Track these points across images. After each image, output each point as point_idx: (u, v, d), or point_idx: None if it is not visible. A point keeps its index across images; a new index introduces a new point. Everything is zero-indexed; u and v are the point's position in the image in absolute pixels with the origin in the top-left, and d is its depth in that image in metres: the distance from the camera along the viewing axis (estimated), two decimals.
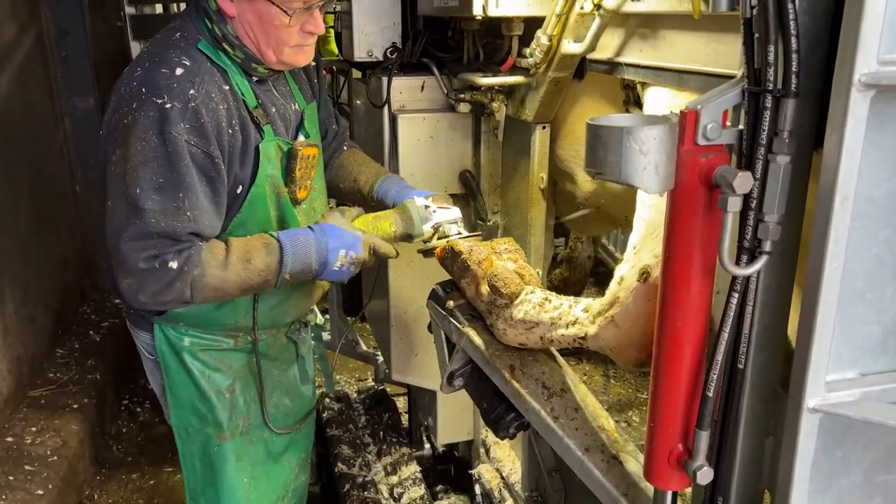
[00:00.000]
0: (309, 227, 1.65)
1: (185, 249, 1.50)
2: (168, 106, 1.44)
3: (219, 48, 1.57)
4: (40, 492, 2.67)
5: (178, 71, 1.48)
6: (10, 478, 2.69)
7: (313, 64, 1.84)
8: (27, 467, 2.77)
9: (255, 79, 1.63)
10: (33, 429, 3.00)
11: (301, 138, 1.74)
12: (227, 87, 1.56)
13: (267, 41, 1.54)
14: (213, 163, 1.50)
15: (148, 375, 1.91)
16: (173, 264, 1.48)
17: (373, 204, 1.89)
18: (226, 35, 1.55)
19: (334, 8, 2.15)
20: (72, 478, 2.93)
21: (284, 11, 1.50)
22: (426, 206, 1.75)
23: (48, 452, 2.88)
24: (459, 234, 1.76)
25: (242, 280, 1.55)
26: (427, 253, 1.75)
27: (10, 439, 2.91)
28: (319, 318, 2.12)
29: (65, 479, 2.84)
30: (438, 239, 1.75)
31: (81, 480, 3.06)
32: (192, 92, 1.47)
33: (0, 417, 2.95)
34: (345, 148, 2.02)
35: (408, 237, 1.75)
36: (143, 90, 1.46)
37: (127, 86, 1.49)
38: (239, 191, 1.60)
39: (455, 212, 1.78)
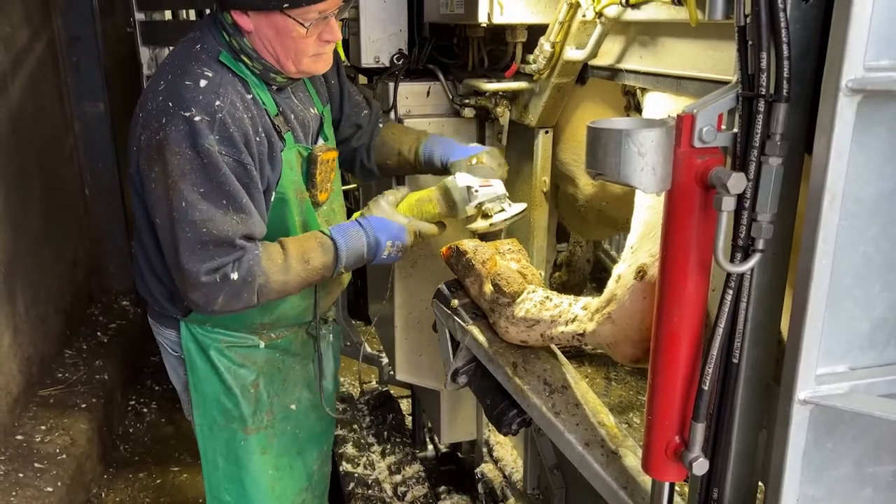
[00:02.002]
0: (357, 220, 1.72)
1: (242, 258, 1.55)
2: (197, 119, 1.47)
3: (238, 59, 1.60)
4: (49, 489, 2.72)
5: (202, 83, 1.51)
6: (20, 475, 2.73)
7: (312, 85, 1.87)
8: (36, 465, 2.81)
9: (274, 87, 1.67)
10: (43, 427, 3.05)
11: (321, 142, 1.79)
12: (250, 97, 1.59)
13: (286, 53, 1.57)
14: (246, 170, 1.54)
15: (169, 372, 1.95)
16: (234, 276, 1.53)
17: (423, 169, 1.93)
18: (243, 48, 1.58)
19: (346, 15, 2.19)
20: (80, 476, 2.97)
21: (301, 24, 1.52)
22: (468, 187, 1.73)
23: (57, 450, 2.93)
24: (503, 211, 1.74)
25: (303, 280, 1.64)
26: (484, 236, 1.79)
27: (20, 437, 2.95)
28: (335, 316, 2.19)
29: (73, 476, 2.88)
30: (483, 217, 1.75)
31: (89, 479, 3.10)
32: (217, 103, 1.50)
33: (10, 416, 2.99)
34: (380, 125, 2.03)
35: (452, 215, 1.79)
36: (170, 104, 1.49)
37: (153, 101, 1.52)
38: (272, 197, 1.66)
39: (498, 187, 1.77)
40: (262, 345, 1.85)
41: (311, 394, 2.01)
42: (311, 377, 2.01)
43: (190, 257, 1.51)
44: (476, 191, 1.73)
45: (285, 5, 1.48)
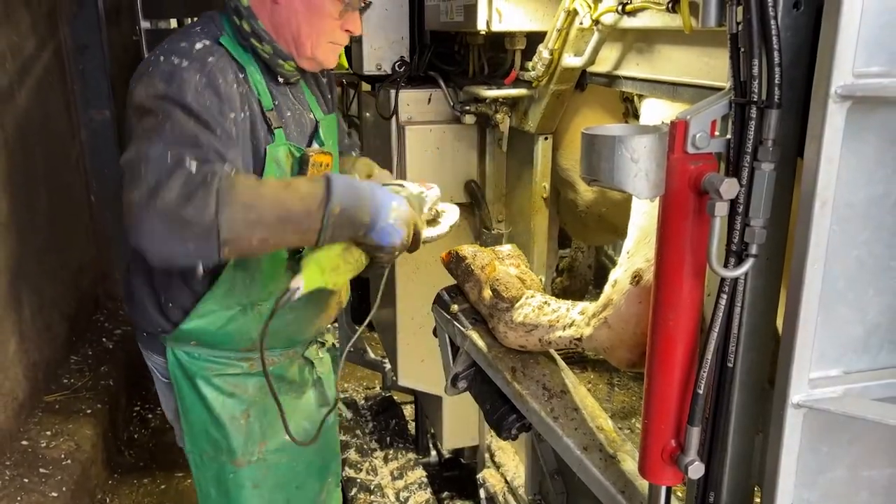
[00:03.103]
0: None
1: (208, 161, 1.33)
2: (185, 65, 1.40)
3: (244, 44, 1.55)
4: (54, 494, 2.73)
5: (198, 45, 1.47)
6: (25, 480, 2.74)
7: (325, 80, 1.86)
8: (41, 470, 2.82)
9: (278, 80, 1.63)
10: (48, 433, 3.06)
11: (315, 146, 1.73)
12: (244, 80, 1.52)
13: (309, 31, 1.53)
14: (225, 120, 1.43)
15: (161, 399, 1.89)
16: (191, 166, 1.30)
17: None
18: (255, 29, 1.53)
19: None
20: (85, 481, 2.98)
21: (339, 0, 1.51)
22: (420, 192, 1.60)
23: (62, 456, 2.94)
24: (446, 212, 1.68)
25: (280, 201, 1.34)
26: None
27: (25, 443, 2.97)
28: (335, 339, 2.09)
29: (78, 482, 2.89)
30: (429, 224, 1.65)
31: (94, 484, 3.12)
32: (210, 59, 1.44)
33: (16, 421, 3.01)
34: (353, 154, 1.99)
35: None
36: (161, 57, 1.44)
37: (144, 63, 1.48)
38: None
39: (435, 189, 1.66)
40: (251, 370, 1.75)
41: (309, 424, 1.87)
42: (312, 406, 1.89)
43: (145, 151, 1.33)
44: (424, 194, 1.59)
45: None
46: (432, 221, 1.63)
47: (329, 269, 1.44)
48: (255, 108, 1.55)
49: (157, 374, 1.83)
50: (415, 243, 1.53)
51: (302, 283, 1.41)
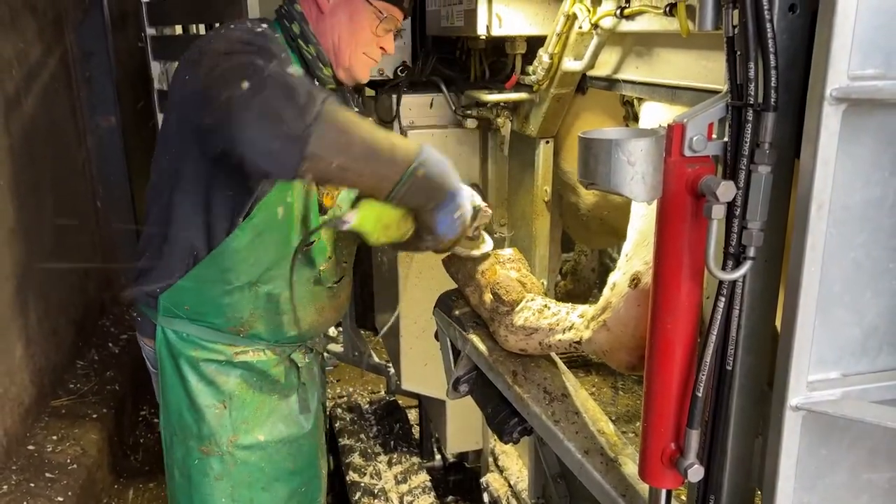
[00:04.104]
0: None
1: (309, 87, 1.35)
2: (238, 27, 1.52)
3: (291, 45, 1.66)
4: (60, 498, 2.74)
5: (257, 29, 1.57)
6: (31, 484, 2.76)
7: (351, 99, 1.93)
8: (48, 474, 2.84)
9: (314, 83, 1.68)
10: (54, 437, 3.08)
11: None
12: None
13: (349, 41, 1.66)
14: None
15: (154, 386, 1.90)
16: (299, 80, 1.33)
17: None
18: (304, 31, 1.65)
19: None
20: (90, 486, 3.00)
21: (377, 14, 1.64)
22: (477, 206, 1.54)
23: (68, 460, 2.95)
24: (486, 239, 1.63)
25: (374, 139, 1.33)
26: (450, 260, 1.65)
27: (31, 447, 2.98)
28: (332, 345, 2.08)
29: (84, 486, 2.91)
30: (468, 240, 1.60)
31: (100, 488, 3.13)
32: (271, 35, 1.56)
33: (22, 426, 3.02)
34: None
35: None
36: (222, 31, 1.55)
37: (195, 47, 1.52)
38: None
39: (489, 212, 1.61)
40: (234, 359, 1.76)
41: (286, 428, 1.87)
42: (292, 411, 1.88)
43: (244, 58, 1.37)
44: (483, 210, 1.56)
45: None
46: (472, 239, 1.60)
47: (383, 222, 1.44)
48: None
49: (150, 364, 1.86)
50: (449, 246, 1.53)
51: (354, 219, 1.42)
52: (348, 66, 1.69)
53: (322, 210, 1.73)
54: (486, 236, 1.64)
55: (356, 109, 1.91)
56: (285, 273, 1.65)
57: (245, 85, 1.29)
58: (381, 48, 1.71)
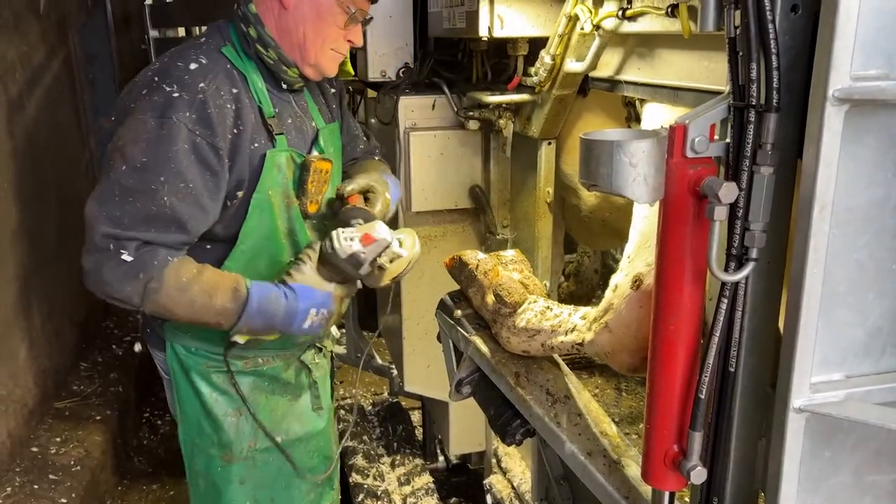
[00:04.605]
0: (277, 284, 1.59)
1: (148, 250, 1.47)
2: (176, 95, 1.48)
3: (248, 51, 1.62)
4: (64, 500, 2.74)
5: (192, 66, 1.53)
6: (35, 486, 2.76)
7: (333, 91, 1.90)
8: (51, 476, 2.84)
9: (280, 87, 1.68)
10: (58, 439, 3.08)
11: (315, 153, 1.76)
12: (241, 92, 1.58)
13: (314, 37, 1.60)
14: (218, 155, 1.51)
15: (167, 394, 1.93)
16: (127, 258, 1.45)
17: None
18: (261, 36, 1.59)
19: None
20: (94, 487, 3.00)
21: (345, 10, 1.59)
22: (352, 255, 1.56)
23: (71, 462, 2.96)
24: (397, 256, 1.62)
25: (195, 312, 1.52)
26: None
27: (35, 449, 2.99)
28: (335, 347, 2.10)
29: (87, 488, 2.91)
30: (378, 270, 1.62)
31: (103, 490, 3.13)
32: (202, 85, 1.50)
33: (26, 428, 3.03)
34: (374, 158, 2.01)
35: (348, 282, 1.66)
36: (156, 79, 1.51)
37: (142, 76, 1.55)
38: (240, 195, 1.60)
39: (382, 231, 1.59)
40: (245, 368, 1.78)
41: (301, 427, 1.90)
42: (305, 409, 1.91)
43: (100, 210, 1.46)
44: (362, 254, 1.55)
45: None
46: (382, 269, 1.62)
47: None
48: (252, 119, 1.60)
49: (162, 371, 1.88)
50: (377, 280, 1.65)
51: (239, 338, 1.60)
52: (314, 62, 1.64)
53: (306, 216, 1.72)
54: (396, 249, 1.62)
55: (334, 105, 1.89)
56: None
57: (89, 258, 1.50)
58: (349, 41, 1.66)
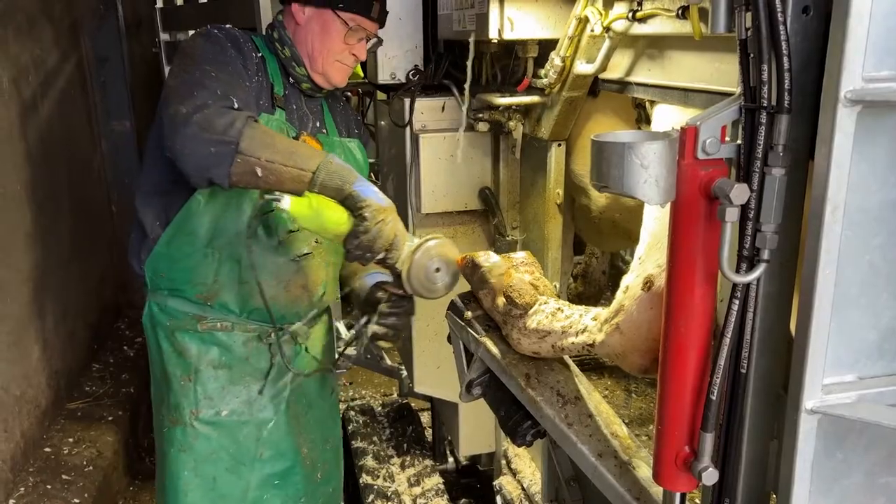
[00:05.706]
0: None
1: (235, 106, 1.57)
2: (216, 30, 1.72)
3: (270, 48, 1.83)
4: (76, 500, 2.77)
5: (228, 26, 1.77)
6: (48, 486, 2.79)
7: (357, 130, 2.03)
8: (64, 476, 2.87)
9: (297, 87, 1.86)
10: (70, 440, 3.11)
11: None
12: (261, 64, 1.77)
13: (321, 49, 1.80)
14: (247, 72, 1.70)
15: None
16: (231, 101, 1.56)
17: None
18: (281, 36, 1.81)
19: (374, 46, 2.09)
20: (106, 487, 3.02)
21: (346, 23, 1.77)
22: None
23: (84, 462, 2.98)
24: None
25: (290, 140, 1.64)
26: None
27: (48, 449, 3.02)
28: (349, 349, 2.04)
29: (99, 488, 2.93)
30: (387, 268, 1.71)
31: (115, 490, 3.16)
32: (237, 33, 1.74)
33: (39, 428, 3.06)
34: None
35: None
36: (198, 33, 1.73)
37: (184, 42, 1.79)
38: None
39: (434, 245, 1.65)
40: (200, 330, 1.82)
41: (249, 410, 1.88)
42: (260, 395, 1.89)
43: (184, 106, 1.53)
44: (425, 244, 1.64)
45: (340, 5, 1.76)
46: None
47: (314, 209, 1.62)
48: (265, 86, 1.78)
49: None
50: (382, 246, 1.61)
51: (287, 203, 1.61)
52: (322, 71, 1.82)
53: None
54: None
55: (356, 130, 2.03)
56: (243, 238, 1.75)
57: (189, 105, 1.52)
58: (354, 55, 1.83)
